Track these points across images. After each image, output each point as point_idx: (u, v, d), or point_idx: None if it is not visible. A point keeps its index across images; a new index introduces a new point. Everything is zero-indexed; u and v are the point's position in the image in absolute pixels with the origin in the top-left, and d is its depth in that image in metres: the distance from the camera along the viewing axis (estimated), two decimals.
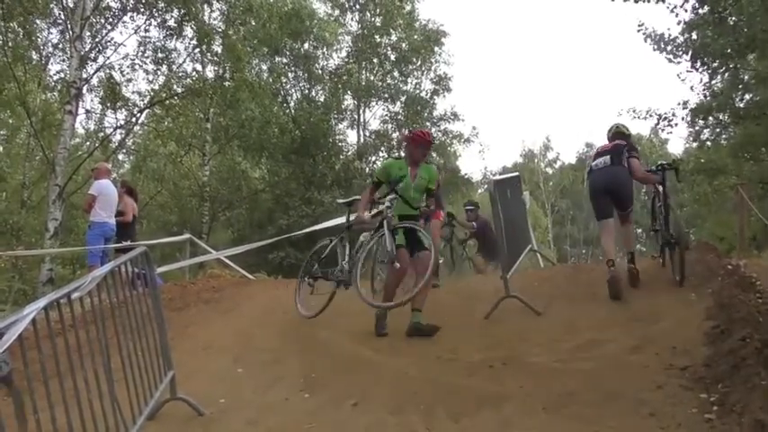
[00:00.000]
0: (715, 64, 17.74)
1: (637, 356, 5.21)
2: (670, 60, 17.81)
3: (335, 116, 27.03)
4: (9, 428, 2.90)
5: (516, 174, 9.74)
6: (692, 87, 19.54)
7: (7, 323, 3.04)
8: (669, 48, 17.57)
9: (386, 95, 27.82)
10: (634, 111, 19.59)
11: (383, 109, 28.13)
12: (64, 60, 19.36)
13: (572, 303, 6.99)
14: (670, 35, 17.52)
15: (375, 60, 27.71)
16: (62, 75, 19.41)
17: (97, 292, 4.06)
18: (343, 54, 27.81)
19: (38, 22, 19.01)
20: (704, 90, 18.84)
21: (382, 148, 27.84)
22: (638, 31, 17.77)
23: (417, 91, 27.96)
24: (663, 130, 20.18)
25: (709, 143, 20.98)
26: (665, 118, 19.07)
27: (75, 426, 3.42)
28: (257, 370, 6.09)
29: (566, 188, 51.33)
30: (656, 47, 17.76)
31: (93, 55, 18.52)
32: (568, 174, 50.83)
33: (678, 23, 17.14)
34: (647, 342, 5.45)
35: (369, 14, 27.60)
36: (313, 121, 24.66)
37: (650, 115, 19.38)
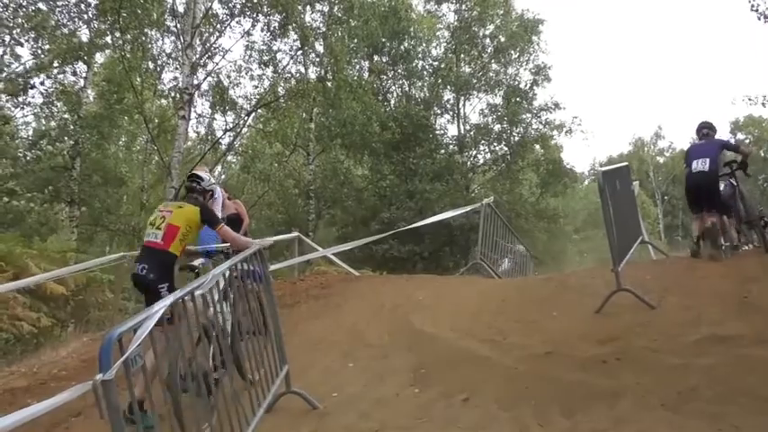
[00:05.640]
0: None
1: (762, 351, 4.93)
2: None
3: (435, 111, 27.04)
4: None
5: (625, 164, 9.37)
6: None
7: (139, 320, 3.25)
8: None
9: (485, 87, 27.57)
10: (750, 98, 18.72)
11: (483, 101, 27.91)
12: (176, 68, 20.33)
13: (688, 297, 6.64)
14: None
15: (473, 52, 27.50)
16: (175, 82, 20.39)
17: (216, 290, 4.27)
18: (442, 49, 27.79)
19: (152, 33, 20.00)
20: None
21: (483, 142, 27.61)
22: (752, 10, 16.87)
23: (516, 82, 27.54)
24: None
25: None
26: None
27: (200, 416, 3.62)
28: (367, 365, 6.20)
29: (677, 177, 49.02)
30: None
31: (202, 61, 19.34)
32: (680, 161, 48.49)
33: None
34: None
35: (465, 6, 27.41)
36: (413, 117, 24.75)
37: None
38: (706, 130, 8.92)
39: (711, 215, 8.36)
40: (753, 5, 17.10)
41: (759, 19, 17.05)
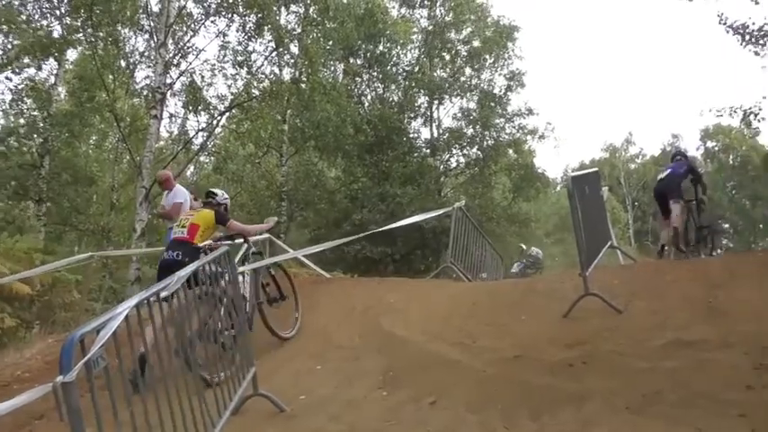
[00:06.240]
0: None
1: (725, 355, 5.01)
2: (756, 54, 17.13)
3: (409, 115, 27.07)
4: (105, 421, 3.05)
5: (595, 169, 9.55)
6: None
7: (102, 320, 3.21)
8: (753, 37, 16.87)
9: (458, 92, 27.68)
10: (717, 110, 19.15)
11: (456, 106, 28.02)
12: (149, 67, 20.12)
13: (655, 301, 6.70)
14: (753, 23, 16.81)
15: (447, 57, 27.60)
16: (148, 81, 20.18)
17: (183, 291, 4.23)
18: (416, 53, 27.82)
19: (125, 30, 19.77)
20: None
21: (456, 145, 27.71)
22: (720, 23, 17.19)
23: (490, 87, 27.69)
24: (749, 125, 19.54)
25: None
26: (752, 113, 18.37)
27: (165, 418, 3.58)
28: (337, 367, 6.20)
29: (648, 183, 49.63)
30: (740, 39, 17.11)
31: (176, 61, 19.16)
32: (651, 168, 49.13)
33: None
34: (735, 341, 5.24)
35: (439, 11, 27.52)
36: (387, 120, 24.76)
37: (734, 112, 18.77)
38: (679, 156, 10.74)
39: (673, 219, 9.86)
40: (721, 19, 17.42)
41: (727, 32, 17.38)
